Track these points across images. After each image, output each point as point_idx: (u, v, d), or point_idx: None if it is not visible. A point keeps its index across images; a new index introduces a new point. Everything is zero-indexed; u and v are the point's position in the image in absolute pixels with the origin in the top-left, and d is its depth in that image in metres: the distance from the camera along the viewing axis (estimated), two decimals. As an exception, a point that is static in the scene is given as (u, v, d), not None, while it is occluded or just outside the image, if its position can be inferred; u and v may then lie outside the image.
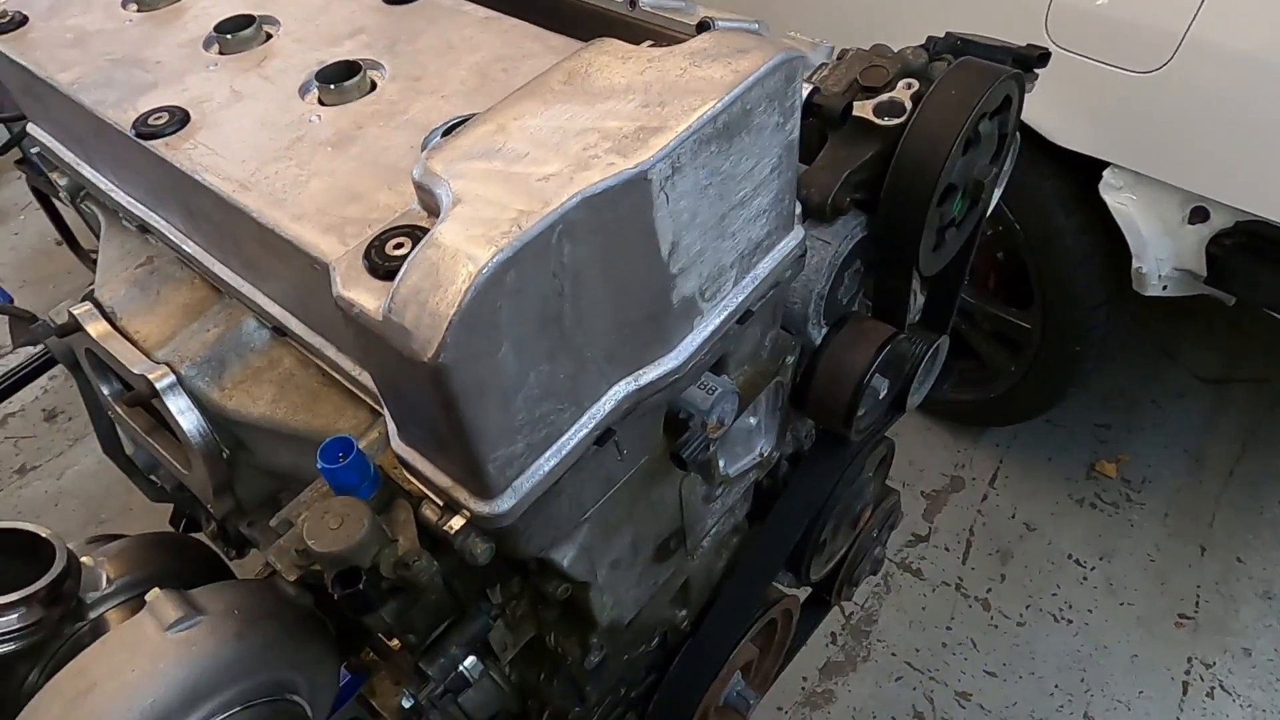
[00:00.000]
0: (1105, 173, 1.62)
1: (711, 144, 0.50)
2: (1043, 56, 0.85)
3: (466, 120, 0.59)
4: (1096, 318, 1.79)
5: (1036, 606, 1.89)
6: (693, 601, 0.85)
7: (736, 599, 0.85)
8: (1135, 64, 1.50)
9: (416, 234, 0.47)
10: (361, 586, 0.49)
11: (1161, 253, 1.63)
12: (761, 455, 0.81)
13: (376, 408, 0.61)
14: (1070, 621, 1.87)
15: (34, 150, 0.88)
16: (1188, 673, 1.77)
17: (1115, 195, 1.62)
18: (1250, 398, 2.25)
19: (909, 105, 0.71)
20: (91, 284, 2.48)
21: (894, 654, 1.83)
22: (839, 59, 0.81)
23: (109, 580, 0.73)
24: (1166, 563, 1.95)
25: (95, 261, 2.48)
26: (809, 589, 1.11)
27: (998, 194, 0.92)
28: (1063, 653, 1.82)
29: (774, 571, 0.86)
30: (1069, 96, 1.60)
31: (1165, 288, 1.66)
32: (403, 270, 0.43)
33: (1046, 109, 1.64)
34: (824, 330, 0.78)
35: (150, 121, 0.62)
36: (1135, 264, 1.64)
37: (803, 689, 1.78)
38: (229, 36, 0.71)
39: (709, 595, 0.87)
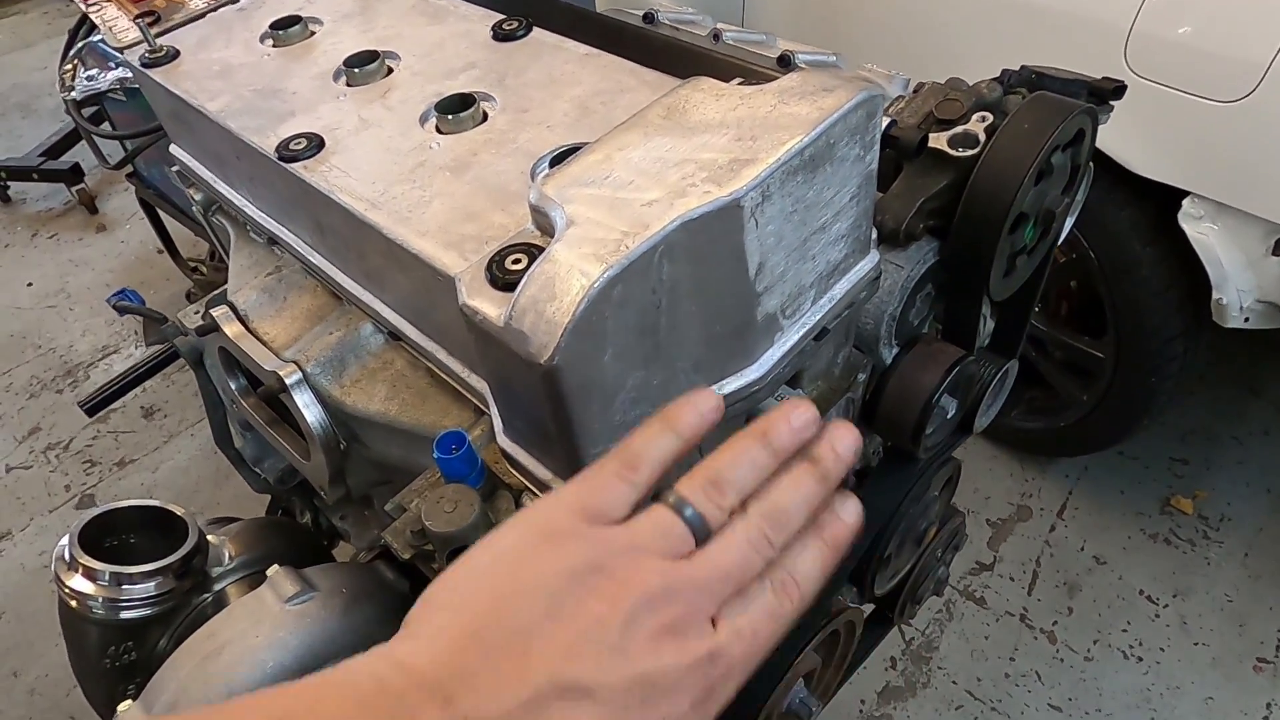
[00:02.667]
0: (1185, 202, 1.61)
1: (798, 174, 0.55)
2: (1118, 89, 0.87)
3: (571, 149, 0.66)
4: (1173, 349, 1.76)
5: (1105, 642, 1.85)
6: (760, 607, 0.89)
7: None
8: (1217, 94, 1.50)
9: (533, 251, 0.52)
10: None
11: (1243, 284, 1.60)
12: (831, 468, 0.84)
13: (481, 407, 0.67)
14: (1140, 659, 1.82)
15: (174, 169, 0.98)
16: (1266, 718, 1.71)
17: (1195, 225, 1.60)
18: (1339, 436, 2.16)
19: (983, 137, 0.75)
20: (191, 289, 2.64)
21: (954, 682, 1.82)
22: (915, 91, 0.85)
23: (230, 557, 0.81)
24: (1245, 604, 1.89)
25: (193, 269, 2.64)
26: (872, 605, 1.13)
27: (1070, 222, 0.94)
28: (1132, 690, 1.78)
29: (841, 581, 0.89)
30: (1148, 126, 1.60)
31: (1247, 320, 1.63)
32: (523, 282, 0.49)
33: (1125, 138, 1.64)
34: (895, 350, 0.81)
35: (291, 146, 0.70)
36: (1216, 295, 1.62)
37: (860, 711, 1.78)
38: (356, 70, 0.79)
39: (775, 602, 0.90)
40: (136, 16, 1.16)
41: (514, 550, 0.38)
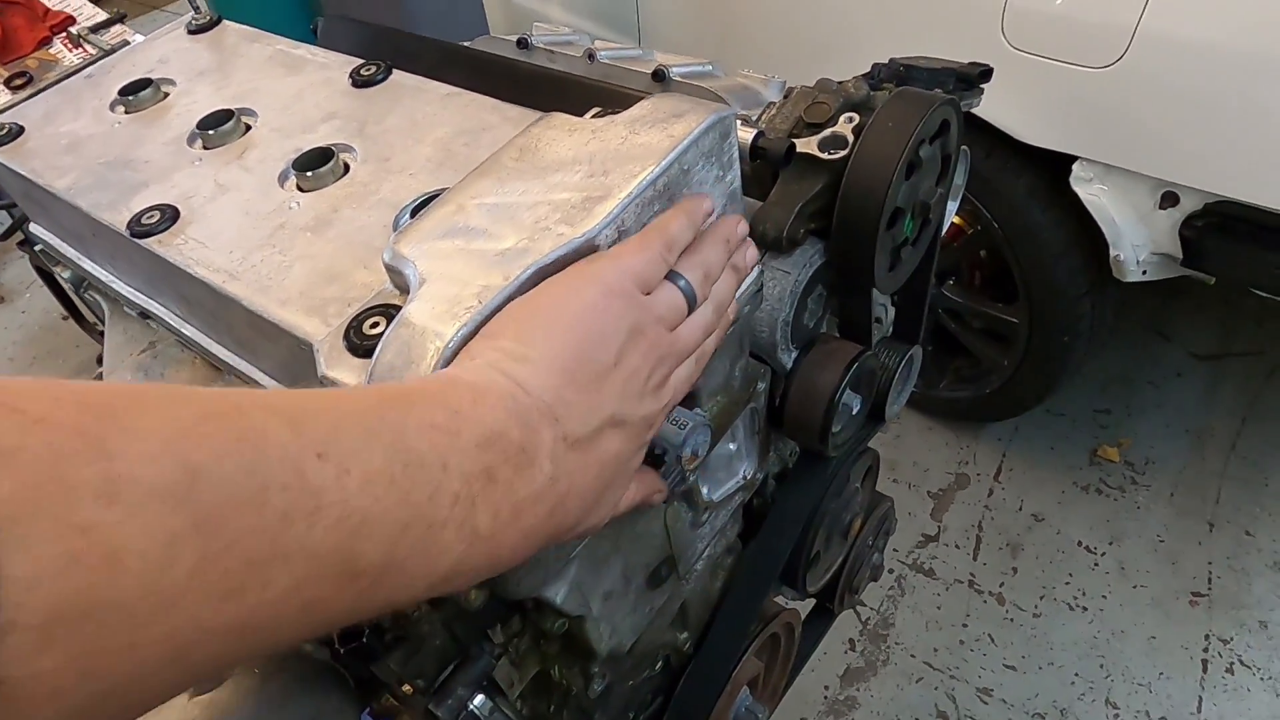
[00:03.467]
0: (1074, 166, 1.66)
1: (654, 204, 0.54)
2: (985, 73, 0.89)
3: (433, 197, 0.64)
4: (1081, 307, 1.82)
5: (1050, 597, 1.91)
6: (692, 623, 0.89)
7: (735, 617, 0.88)
8: (1092, 60, 1.55)
9: (390, 312, 0.51)
10: (365, 640, 0.53)
11: (1137, 239, 1.66)
12: (745, 478, 0.84)
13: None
14: (1085, 609, 1.88)
15: (37, 247, 0.93)
16: (1206, 650, 1.79)
17: (1086, 187, 1.66)
18: (1246, 371, 2.27)
19: (851, 138, 0.76)
20: (99, 356, 2.53)
21: (913, 655, 1.86)
22: (786, 96, 0.85)
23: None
24: (1176, 542, 1.97)
25: (101, 334, 2.53)
26: (812, 600, 1.14)
27: (954, 207, 0.96)
28: (1080, 641, 1.84)
29: (768, 586, 0.89)
30: (1031, 96, 1.65)
31: (1145, 273, 1.69)
32: (379, 349, 0.48)
33: (1011, 110, 1.69)
34: (794, 354, 0.82)
35: (143, 221, 0.67)
36: (1113, 252, 1.68)
37: (825, 697, 1.80)
38: (211, 132, 0.76)
39: (708, 616, 0.90)
40: (6, 80, 1.11)
41: (594, 303, 0.46)
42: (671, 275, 0.51)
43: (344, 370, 0.50)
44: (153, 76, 0.85)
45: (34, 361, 2.87)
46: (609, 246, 0.52)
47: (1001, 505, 2.08)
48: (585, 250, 0.51)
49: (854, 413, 0.87)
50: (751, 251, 0.60)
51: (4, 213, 2.04)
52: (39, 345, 2.89)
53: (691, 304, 0.52)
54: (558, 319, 0.46)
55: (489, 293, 0.48)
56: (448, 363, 0.46)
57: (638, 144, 0.55)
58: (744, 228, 0.59)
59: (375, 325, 0.51)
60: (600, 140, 0.56)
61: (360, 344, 0.50)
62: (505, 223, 0.52)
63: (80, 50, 1.69)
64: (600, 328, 0.46)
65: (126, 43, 1.45)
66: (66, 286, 0.91)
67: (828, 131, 0.78)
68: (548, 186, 0.54)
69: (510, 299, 0.48)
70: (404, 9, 2.04)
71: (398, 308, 0.51)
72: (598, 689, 0.74)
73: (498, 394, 0.42)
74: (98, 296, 0.89)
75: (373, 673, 0.73)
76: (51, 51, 1.72)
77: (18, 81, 1.18)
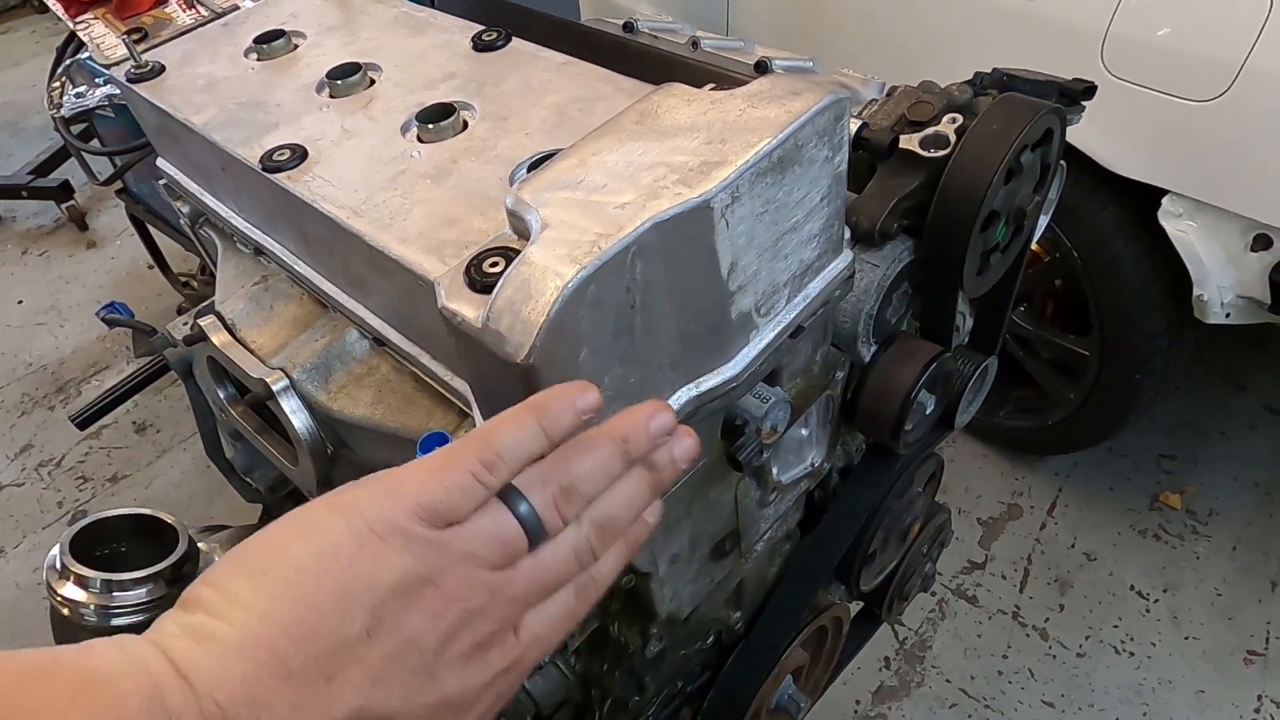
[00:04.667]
0: (1164, 200, 1.63)
1: (767, 176, 0.56)
2: (1088, 90, 0.89)
3: (549, 155, 0.67)
4: (1157, 346, 1.78)
5: (1097, 638, 1.87)
6: (746, 604, 0.90)
7: (788, 603, 0.89)
8: (1193, 93, 1.52)
9: (509, 254, 0.54)
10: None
11: (1224, 280, 1.62)
12: (813, 465, 0.85)
13: (465, 409, 0.68)
14: (1132, 654, 1.84)
15: (161, 182, 0.99)
16: (1257, 710, 1.73)
17: (1175, 222, 1.63)
18: (1324, 430, 2.18)
19: (953, 138, 0.76)
20: (182, 303, 2.64)
21: (948, 681, 1.83)
22: (889, 95, 0.86)
23: (221, 564, 0.82)
24: (1234, 597, 1.91)
25: (184, 283, 2.64)
26: (860, 604, 1.15)
27: (1045, 220, 0.96)
28: (1124, 685, 1.79)
29: (824, 577, 0.90)
30: (1126, 126, 1.62)
31: (1229, 315, 1.65)
32: (499, 285, 0.50)
33: (1104, 138, 1.66)
34: (873, 348, 0.83)
35: (274, 157, 0.72)
36: (1197, 291, 1.64)
37: (855, 712, 1.79)
38: (339, 82, 0.80)
39: (762, 599, 0.91)
40: (124, 34, 1.18)
41: (336, 549, 0.33)
42: (508, 495, 0.37)
43: (463, 303, 0.52)
44: (285, 28, 0.90)
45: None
46: (723, 209, 0.54)
47: (1053, 540, 2.03)
48: (701, 210, 0.53)
49: (927, 413, 0.87)
50: (687, 444, 0.42)
51: (107, 161, 2.13)
52: (124, 291, 3.02)
53: (534, 533, 0.37)
54: (278, 570, 0.32)
55: (607, 240, 0.50)
56: (565, 302, 0.48)
57: (755, 116, 0.57)
58: (666, 417, 0.41)
59: (495, 265, 0.54)
60: (719, 110, 0.59)
61: (479, 280, 0.53)
62: (624, 180, 0.55)
63: (193, 11, 1.78)
64: (341, 584, 0.32)
65: (237, 6, 1.53)
66: (183, 221, 0.97)
67: (930, 130, 0.79)
68: (666, 149, 0.56)
69: (626, 248, 0.51)
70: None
71: (516, 250, 0.54)
72: (654, 650, 0.76)
73: (129, 689, 0.29)
74: (212, 233, 0.95)
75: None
76: (167, 11, 1.81)
77: (135, 36, 1.25)
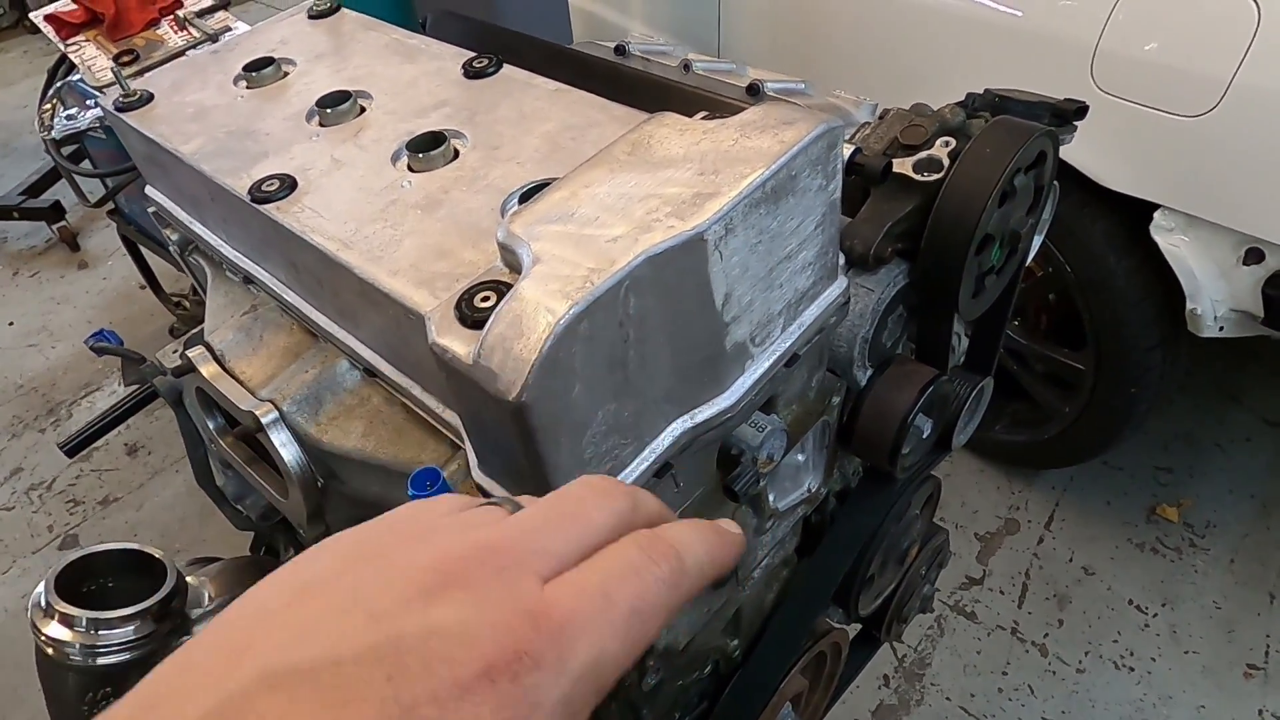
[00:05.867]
0: (1156, 215, 1.63)
1: (760, 206, 0.56)
2: (1080, 110, 0.89)
3: (541, 185, 0.66)
4: (1152, 359, 1.78)
5: (1096, 653, 1.86)
6: (744, 631, 0.89)
7: (786, 630, 0.88)
8: (1183, 108, 1.53)
9: (501, 289, 0.53)
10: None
11: (1216, 294, 1.63)
12: (809, 491, 0.85)
13: (456, 442, 0.67)
14: (1132, 670, 1.83)
15: (151, 210, 0.98)
16: (1258, 725, 1.72)
17: (1167, 237, 1.63)
18: (1320, 441, 2.19)
19: (946, 162, 0.76)
20: (174, 324, 2.62)
21: (948, 698, 1.82)
22: (881, 117, 0.86)
23: (211, 598, 0.80)
24: (1234, 611, 1.90)
25: (176, 304, 2.61)
26: (859, 626, 1.14)
27: (1039, 241, 0.96)
28: (1124, 701, 1.78)
29: (823, 602, 0.89)
30: (1117, 141, 1.63)
31: (1222, 329, 1.65)
32: (490, 320, 0.50)
33: (1095, 153, 1.67)
34: (869, 372, 0.82)
35: (264, 188, 0.71)
36: (1190, 305, 1.64)
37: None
38: (328, 110, 0.80)
39: (759, 626, 0.90)
40: (115, 57, 1.17)
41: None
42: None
43: (454, 339, 0.52)
44: (274, 56, 0.90)
45: (109, 326, 2.99)
46: (716, 242, 0.54)
47: (1051, 555, 2.03)
48: (694, 243, 0.52)
49: (924, 436, 0.87)
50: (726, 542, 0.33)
51: (98, 182, 2.12)
52: (115, 312, 3.01)
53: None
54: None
55: (599, 275, 0.50)
56: (557, 339, 0.48)
57: (748, 147, 0.57)
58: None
59: (486, 299, 0.53)
60: (711, 141, 0.58)
61: (471, 315, 0.52)
62: (616, 212, 0.54)
63: (185, 33, 1.77)
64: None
65: (229, 28, 1.52)
66: (173, 249, 0.96)
67: (923, 154, 0.79)
68: (658, 181, 0.56)
69: (619, 283, 0.50)
70: (494, 14, 2.11)
71: (508, 285, 0.53)
72: (651, 683, 0.74)
73: None
74: (201, 260, 0.94)
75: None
76: (158, 32, 1.81)
77: (125, 59, 1.25)
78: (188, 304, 2.52)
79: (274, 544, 1.23)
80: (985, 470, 2.21)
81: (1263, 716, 1.72)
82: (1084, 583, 1.98)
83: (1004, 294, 0.90)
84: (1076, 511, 2.11)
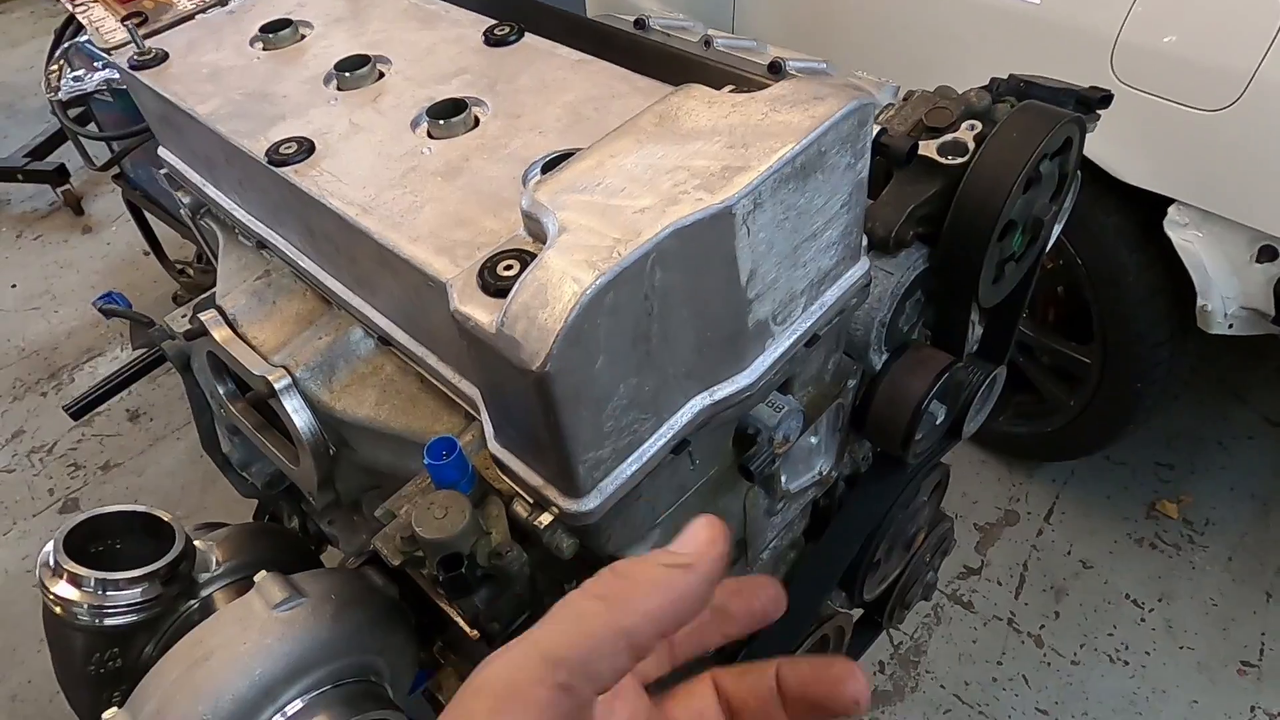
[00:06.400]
0: (1170, 209, 1.62)
1: (789, 182, 0.55)
2: (1105, 98, 0.88)
3: (563, 155, 0.65)
4: (1159, 355, 1.78)
5: (1091, 646, 1.87)
6: (750, 612, 0.89)
7: (792, 611, 0.88)
8: (1202, 102, 1.51)
9: (525, 257, 0.52)
10: (464, 570, 0.54)
11: (1228, 291, 1.62)
12: (821, 474, 0.84)
13: (471, 412, 0.66)
14: (1127, 663, 1.83)
15: (162, 171, 0.97)
16: (1250, 721, 1.73)
17: (1180, 232, 1.62)
18: (1322, 442, 2.18)
19: (972, 146, 0.75)
20: (178, 291, 2.62)
21: (942, 686, 1.83)
22: (904, 100, 0.85)
23: (218, 563, 0.80)
24: (1230, 608, 1.91)
25: (180, 271, 2.61)
26: (861, 610, 1.14)
27: (1058, 229, 0.95)
28: (1118, 694, 1.79)
29: (829, 585, 0.89)
30: (1134, 133, 1.61)
31: (1232, 326, 1.65)
32: (515, 289, 0.49)
33: (1111, 146, 1.65)
34: (885, 356, 0.82)
35: (281, 150, 0.70)
36: (1200, 301, 1.63)
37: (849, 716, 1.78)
38: (347, 74, 0.79)
39: (765, 607, 0.90)
40: (124, 18, 1.15)
41: None
42: None
43: (476, 307, 0.51)
44: (291, 18, 0.89)
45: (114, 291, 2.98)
46: (744, 216, 0.53)
47: (1050, 547, 2.03)
48: (722, 217, 0.52)
49: (937, 423, 0.86)
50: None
51: (104, 145, 2.11)
52: (119, 278, 2.99)
53: None
54: None
55: (626, 246, 0.49)
56: (583, 309, 0.47)
57: (778, 121, 0.56)
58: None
59: (509, 268, 0.52)
60: (740, 114, 0.57)
61: (494, 283, 0.52)
62: (643, 183, 0.53)
63: (195, -3, 1.75)
64: None
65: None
66: (184, 212, 0.95)
67: (948, 137, 0.78)
68: (687, 153, 0.55)
69: (646, 255, 0.49)
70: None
71: (531, 254, 0.52)
72: (657, 660, 0.74)
73: None
74: (214, 224, 0.93)
75: (434, 616, 0.74)
76: (168, -5, 1.78)
77: (135, 21, 1.23)
78: (191, 271, 2.51)
79: (278, 511, 1.23)
80: (987, 461, 2.21)
81: (1255, 713, 1.73)
82: (1082, 576, 1.98)
83: (1022, 282, 0.90)
84: (1076, 505, 2.11)
